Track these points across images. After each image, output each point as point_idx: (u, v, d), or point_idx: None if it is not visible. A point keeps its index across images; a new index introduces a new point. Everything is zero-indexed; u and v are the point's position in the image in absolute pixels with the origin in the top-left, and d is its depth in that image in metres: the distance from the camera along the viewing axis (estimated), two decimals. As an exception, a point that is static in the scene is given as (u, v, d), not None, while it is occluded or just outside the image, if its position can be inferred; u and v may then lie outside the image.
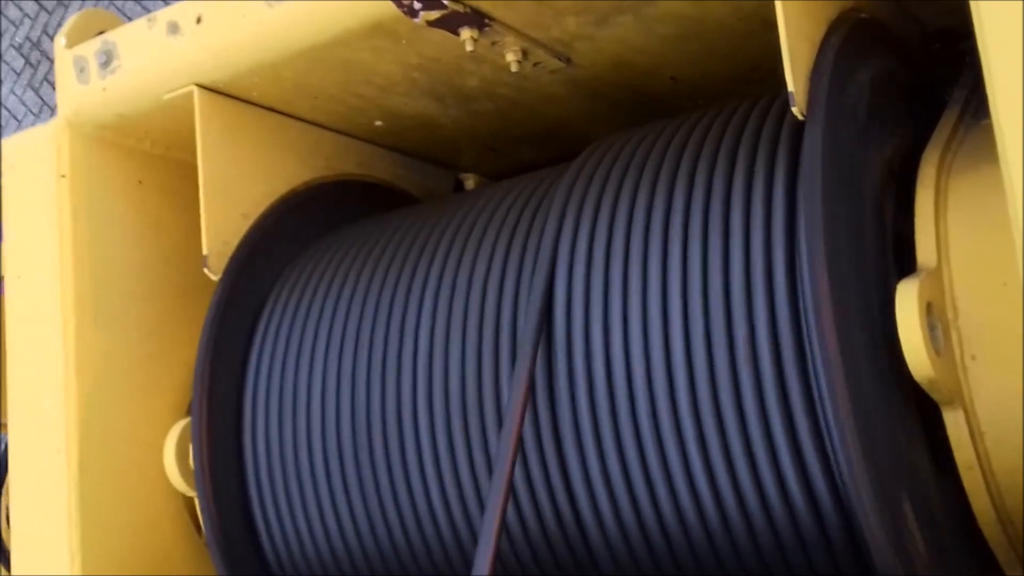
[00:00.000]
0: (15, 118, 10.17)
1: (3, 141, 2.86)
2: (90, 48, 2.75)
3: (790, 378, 1.86)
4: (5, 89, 9.89)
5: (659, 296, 1.97)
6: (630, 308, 1.97)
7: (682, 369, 1.90)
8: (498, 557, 1.98)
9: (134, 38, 2.70)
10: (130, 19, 2.77)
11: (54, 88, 2.72)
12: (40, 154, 2.76)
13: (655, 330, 1.93)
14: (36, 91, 9.86)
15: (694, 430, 1.89)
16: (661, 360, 1.92)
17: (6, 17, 9.90)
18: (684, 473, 1.88)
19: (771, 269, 1.92)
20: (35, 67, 9.77)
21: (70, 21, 2.81)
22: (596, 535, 1.96)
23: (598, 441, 1.93)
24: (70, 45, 2.78)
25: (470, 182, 3.30)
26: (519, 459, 2.02)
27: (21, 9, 9.82)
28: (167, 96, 2.67)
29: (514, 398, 1.89)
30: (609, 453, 1.93)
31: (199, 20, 2.57)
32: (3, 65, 9.78)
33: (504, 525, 1.88)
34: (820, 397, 1.83)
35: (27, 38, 9.81)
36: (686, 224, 2.02)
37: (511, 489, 1.89)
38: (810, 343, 1.87)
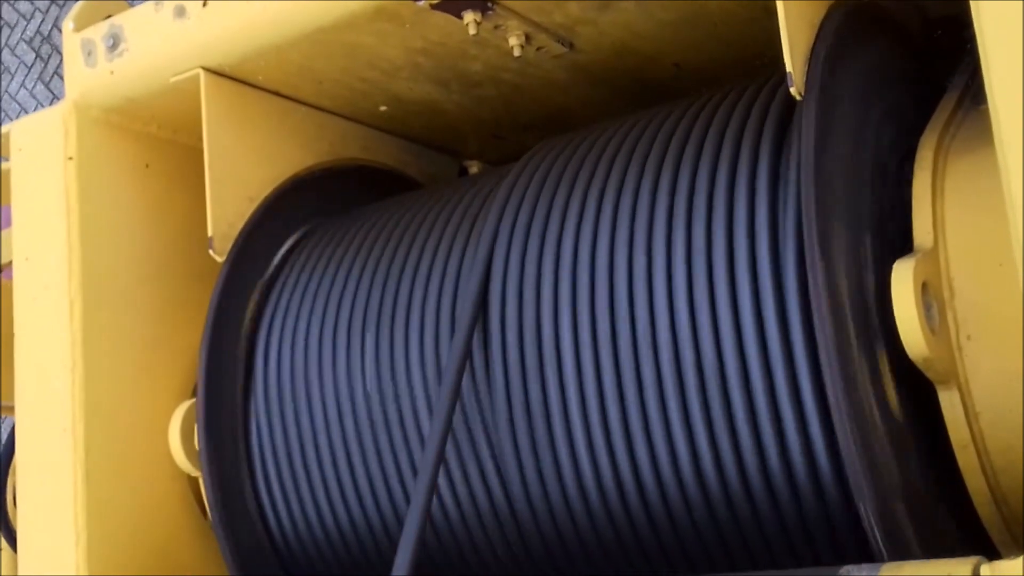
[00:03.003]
0: (25, 111, 10.21)
1: (11, 124, 2.88)
2: (98, 32, 2.78)
3: (774, 355, 1.87)
4: (16, 83, 9.94)
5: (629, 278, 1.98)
6: (561, 280, 1.98)
7: (626, 351, 1.91)
8: (431, 522, 2.02)
9: (141, 22, 2.73)
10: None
11: (64, 82, 2.74)
12: (48, 137, 2.78)
13: (584, 300, 1.95)
14: (46, 85, 9.90)
15: (617, 407, 1.89)
16: (588, 335, 1.93)
17: (16, 11, 9.95)
18: (607, 450, 1.91)
19: (754, 250, 1.92)
20: (45, 61, 9.82)
21: (78, 5, 2.83)
22: (522, 503, 1.99)
23: (527, 409, 1.95)
24: (78, 29, 2.80)
25: (474, 169, 3.32)
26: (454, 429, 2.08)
27: (31, 2, 9.87)
28: (173, 79, 2.70)
29: (451, 366, 1.95)
30: (538, 426, 1.95)
31: (205, 3, 2.60)
32: (14, 59, 9.83)
33: (436, 482, 1.92)
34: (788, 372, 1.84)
35: (37, 32, 9.86)
36: (617, 202, 2.06)
37: (446, 435, 1.92)
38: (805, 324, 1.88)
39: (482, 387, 2.08)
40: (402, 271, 2.36)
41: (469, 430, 2.10)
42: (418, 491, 1.88)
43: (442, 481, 2.14)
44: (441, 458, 1.92)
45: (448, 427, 1.94)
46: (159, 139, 2.94)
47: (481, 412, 2.10)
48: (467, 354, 2.01)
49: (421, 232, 2.43)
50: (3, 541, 3.41)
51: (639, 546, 1.92)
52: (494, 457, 2.08)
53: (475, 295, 2.07)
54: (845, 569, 1.59)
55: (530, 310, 2.03)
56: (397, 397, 2.26)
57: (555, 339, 1.98)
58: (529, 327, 2.02)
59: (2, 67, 9.87)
